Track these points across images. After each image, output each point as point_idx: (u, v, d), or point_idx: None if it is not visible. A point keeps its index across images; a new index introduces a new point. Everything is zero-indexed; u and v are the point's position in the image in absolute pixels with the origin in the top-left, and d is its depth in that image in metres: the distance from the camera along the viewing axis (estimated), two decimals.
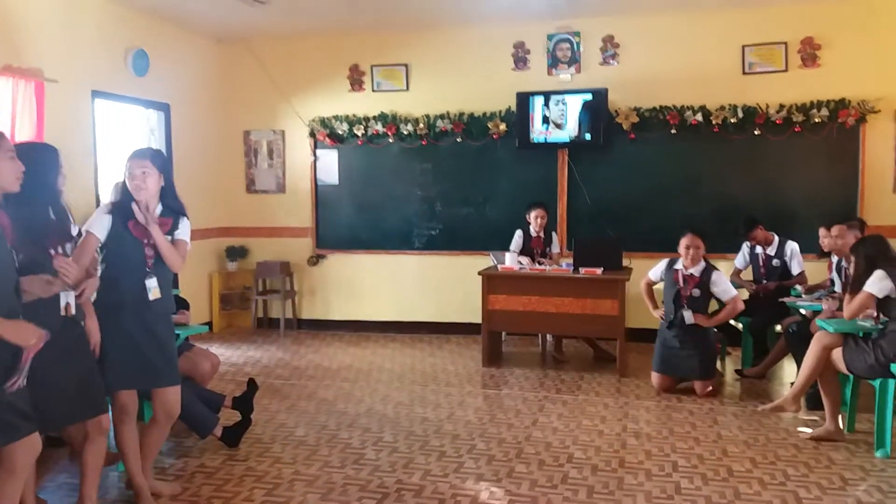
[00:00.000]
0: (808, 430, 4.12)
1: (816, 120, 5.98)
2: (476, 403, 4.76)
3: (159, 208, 3.15)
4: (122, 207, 3.07)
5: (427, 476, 3.54)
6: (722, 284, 4.89)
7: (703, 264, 4.91)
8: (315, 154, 7.18)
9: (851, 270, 3.97)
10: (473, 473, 3.58)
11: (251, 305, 7.33)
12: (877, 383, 3.79)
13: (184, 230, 3.20)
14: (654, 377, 5.01)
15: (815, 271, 5.55)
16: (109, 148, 6.10)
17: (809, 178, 6.10)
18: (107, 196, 5.85)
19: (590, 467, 3.66)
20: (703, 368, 4.87)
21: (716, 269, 4.92)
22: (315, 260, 7.27)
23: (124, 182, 3.12)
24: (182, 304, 4.81)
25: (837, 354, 3.94)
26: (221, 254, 7.41)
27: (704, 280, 4.87)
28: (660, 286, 5.15)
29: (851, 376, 4.05)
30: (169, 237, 3.11)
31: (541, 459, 3.76)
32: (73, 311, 2.72)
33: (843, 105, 5.92)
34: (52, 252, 2.70)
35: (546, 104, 6.42)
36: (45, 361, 2.49)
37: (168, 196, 3.16)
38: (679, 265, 4.95)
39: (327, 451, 3.90)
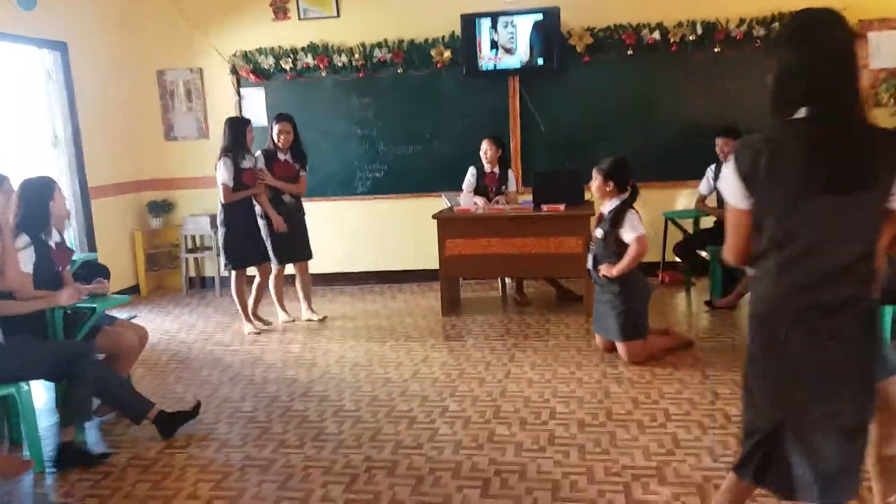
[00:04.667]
0: None
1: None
2: (441, 358, 4.36)
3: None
4: None
5: (399, 449, 3.14)
6: (626, 224, 3.99)
7: (616, 202, 4.08)
8: (239, 93, 6.47)
9: None
10: (450, 441, 3.20)
11: (181, 265, 6.68)
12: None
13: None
14: (596, 337, 4.36)
15: None
16: None
17: None
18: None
19: (576, 423, 3.33)
20: (621, 328, 4.06)
21: (631, 209, 4.06)
22: None
23: None
24: (99, 272, 4.20)
25: None
26: (143, 210, 6.69)
27: (614, 219, 4.04)
28: None
29: None
30: None
31: (521, 418, 3.41)
32: None
33: None
34: None
35: (494, 27, 5.87)
36: None
37: None
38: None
39: (281, 427, 3.44)
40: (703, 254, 5.48)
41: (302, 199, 5.25)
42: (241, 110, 6.48)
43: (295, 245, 5.15)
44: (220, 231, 4.99)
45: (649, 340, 4.14)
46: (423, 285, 6.31)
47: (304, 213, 5.25)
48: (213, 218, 6.53)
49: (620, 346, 4.10)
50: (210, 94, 6.56)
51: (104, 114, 6.21)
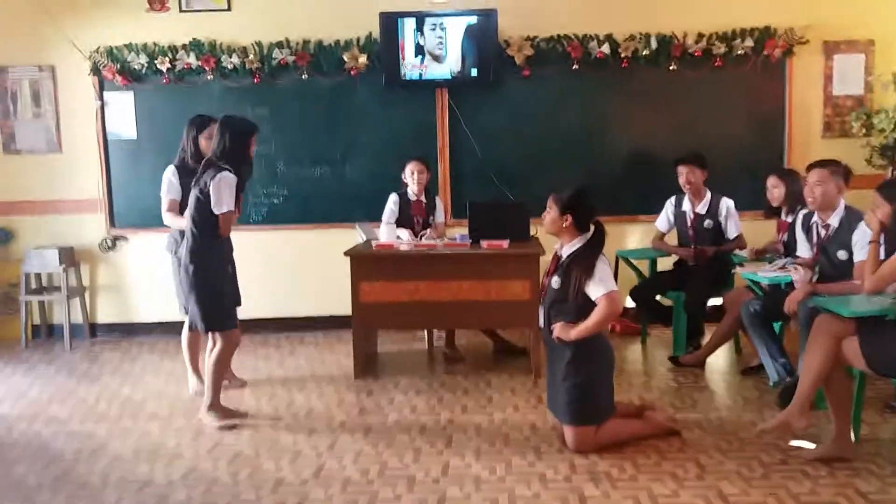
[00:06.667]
0: (808, 445, 3.09)
1: (739, 52, 5.04)
2: (355, 444, 3.28)
3: None
4: None
5: None
6: (596, 275, 3.03)
7: (578, 244, 3.14)
8: (102, 98, 5.24)
9: (872, 223, 2.96)
10: None
11: (19, 309, 5.29)
12: None
13: None
14: (549, 414, 3.45)
15: (752, 233, 4.62)
16: None
17: (732, 120, 5.18)
18: None
19: None
20: (568, 407, 3.12)
21: (602, 256, 3.11)
22: (110, 243, 5.37)
23: None
24: None
25: (850, 346, 2.92)
26: None
27: (579, 268, 3.07)
28: None
29: (857, 372, 3.08)
30: None
31: None
32: None
33: (769, 34, 5.02)
34: None
35: (419, 29, 4.97)
36: None
37: None
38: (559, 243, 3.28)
39: None
40: (662, 299, 4.72)
41: None
42: (104, 118, 5.26)
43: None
44: (191, 281, 3.44)
45: (609, 426, 3.17)
46: (331, 335, 5.22)
47: None
48: (62, 252, 5.21)
49: (566, 430, 3.15)
50: (64, 98, 5.29)
51: None
